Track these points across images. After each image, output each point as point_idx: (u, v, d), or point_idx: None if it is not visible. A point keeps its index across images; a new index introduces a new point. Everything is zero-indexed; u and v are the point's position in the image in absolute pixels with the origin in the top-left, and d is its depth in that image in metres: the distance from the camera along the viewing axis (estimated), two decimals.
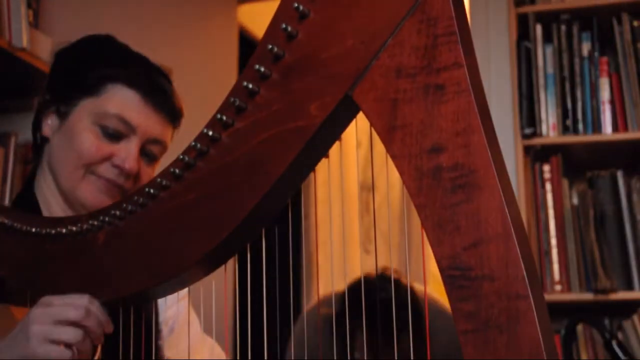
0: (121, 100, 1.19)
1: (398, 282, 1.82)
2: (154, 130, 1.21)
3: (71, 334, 0.91)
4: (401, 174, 0.73)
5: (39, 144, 1.25)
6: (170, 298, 1.32)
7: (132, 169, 1.18)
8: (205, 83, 2.72)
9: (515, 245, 0.68)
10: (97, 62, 1.22)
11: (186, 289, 1.32)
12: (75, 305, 0.92)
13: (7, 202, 1.78)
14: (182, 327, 1.33)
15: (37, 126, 1.25)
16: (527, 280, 0.68)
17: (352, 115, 0.79)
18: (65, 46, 1.28)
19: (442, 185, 0.71)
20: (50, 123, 1.22)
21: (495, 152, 0.71)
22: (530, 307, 0.67)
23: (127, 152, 1.19)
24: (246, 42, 3.24)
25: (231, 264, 0.92)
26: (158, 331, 1.29)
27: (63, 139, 1.20)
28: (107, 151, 1.18)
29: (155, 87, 1.23)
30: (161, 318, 1.32)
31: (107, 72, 1.20)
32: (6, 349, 0.94)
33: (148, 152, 1.22)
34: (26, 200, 1.23)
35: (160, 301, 1.32)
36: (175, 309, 1.34)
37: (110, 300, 0.95)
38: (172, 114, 1.24)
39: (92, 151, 1.18)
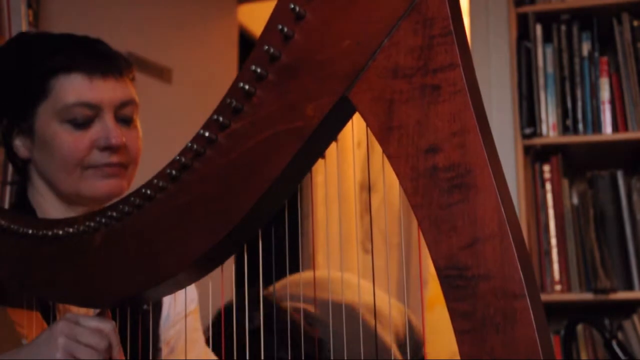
0: (71, 88, 1.17)
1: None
2: (114, 96, 1.19)
3: (91, 356, 0.95)
4: (397, 174, 0.73)
5: (21, 165, 1.24)
6: (173, 317, 1.31)
7: (119, 141, 1.17)
8: (205, 83, 2.72)
9: (512, 245, 0.68)
10: (30, 64, 1.20)
11: (189, 307, 1.32)
12: (101, 334, 0.96)
13: (6, 202, 1.78)
14: (184, 346, 1.32)
15: (11, 152, 1.23)
16: (523, 280, 0.68)
17: (349, 116, 0.79)
18: None
19: (439, 185, 0.71)
20: (20, 144, 1.21)
21: (491, 152, 0.71)
22: (527, 307, 0.67)
23: (105, 129, 1.17)
24: (246, 42, 3.25)
25: (229, 265, 0.92)
26: (157, 349, 1.28)
27: (42, 151, 1.19)
28: (87, 140, 1.17)
29: (90, 57, 1.20)
30: (162, 337, 1.31)
31: (43, 70, 1.18)
32: (30, 355, 0.96)
33: (123, 117, 1.21)
34: (21, 209, 1.22)
35: (163, 320, 1.31)
36: (178, 327, 1.33)
37: (108, 303, 0.95)
38: (118, 70, 1.21)
39: (73, 148, 1.16)
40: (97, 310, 1.01)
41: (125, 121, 1.22)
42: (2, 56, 1.26)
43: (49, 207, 1.22)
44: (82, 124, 1.17)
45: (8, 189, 1.85)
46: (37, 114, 1.18)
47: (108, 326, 0.97)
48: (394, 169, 0.73)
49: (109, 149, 1.17)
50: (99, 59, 1.20)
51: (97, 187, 1.18)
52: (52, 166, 1.18)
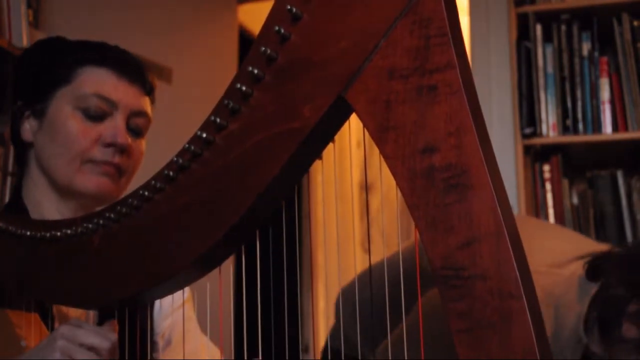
0: (95, 79, 1.19)
1: None
2: (134, 102, 1.22)
3: (91, 357, 0.95)
4: (394, 174, 0.73)
5: (22, 151, 1.25)
6: (166, 308, 1.32)
7: (124, 142, 1.18)
8: (205, 83, 2.72)
9: (508, 245, 0.69)
10: (61, 53, 1.22)
11: (182, 297, 1.32)
12: (103, 336, 0.95)
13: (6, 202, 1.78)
14: (180, 336, 1.31)
15: (16, 135, 1.24)
16: (519, 280, 0.68)
17: (346, 117, 0.79)
18: (23, 52, 1.29)
19: (435, 185, 0.71)
20: (28, 127, 1.22)
21: (487, 152, 0.71)
22: (523, 307, 0.68)
23: (114, 127, 1.19)
24: (246, 42, 3.25)
25: (229, 266, 0.92)
26: (153, 343, 1.28)
27: (47, 134, 1.19)
28: (94, 133, 1.18)
29: (124, 61, 1.23)
30: (157, 330, 1.31)
31: (74, 58, 1.20)
32: (32, 357, 0.96)
33: (133, 127, 1.22)
34: (14, 210, 1.22)
35: (156, 312, 1.31)
36: (171, 320, 1.32)
37: (106, 304, 0.95)
38: (145, 85, 1.25)
39: (79, 136, 1.17)
40: (91, 313, 1.01)
41: (135, 132, 1.23)
42: (34, 46, 1.28)
43: (42, 197, 1.22)
44: (94, 117, 1.19)
45: (8, 189, 1.85)
46: (54, 97, 1.20)
47: (112, 334, 0.96)
48: (391, 170, 0.73)
49: (114, 146, 1.18)
50: (131, 66, 1.23)
51: (91, 182, 1.18)
52: (54, 152, 1.19)
